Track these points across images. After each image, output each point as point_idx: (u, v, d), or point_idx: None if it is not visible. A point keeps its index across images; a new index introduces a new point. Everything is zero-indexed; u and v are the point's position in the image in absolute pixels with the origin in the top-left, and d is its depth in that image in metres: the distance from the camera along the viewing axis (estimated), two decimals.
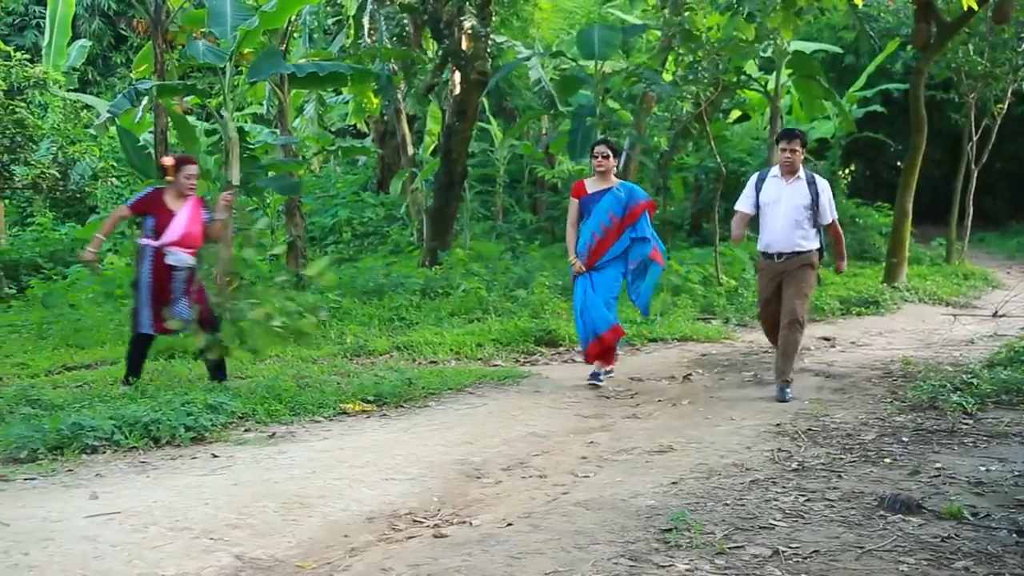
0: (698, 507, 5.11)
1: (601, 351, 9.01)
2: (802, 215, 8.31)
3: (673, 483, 5.66)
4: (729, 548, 4.42)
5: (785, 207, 8.34)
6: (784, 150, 8.39)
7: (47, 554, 4.45)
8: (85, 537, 4.68)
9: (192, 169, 8.46)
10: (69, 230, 20.76)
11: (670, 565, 4.23)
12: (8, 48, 17.28)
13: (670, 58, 17.87)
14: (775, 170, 8.54)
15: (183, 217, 8.33)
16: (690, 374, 9.60)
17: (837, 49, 24.12)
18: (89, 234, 18.50)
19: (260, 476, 5.90)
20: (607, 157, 9.00)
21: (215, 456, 6.41)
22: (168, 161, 8.55)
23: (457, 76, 17.18)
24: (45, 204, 20.12)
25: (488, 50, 16.49)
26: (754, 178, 8.73)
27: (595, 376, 9.06)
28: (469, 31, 16.10)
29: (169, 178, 8.43)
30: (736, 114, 23.50)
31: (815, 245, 8.39)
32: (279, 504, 5.31)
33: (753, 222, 8.80)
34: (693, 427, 7.28)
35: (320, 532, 4.94)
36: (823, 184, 8.44)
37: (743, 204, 8.66)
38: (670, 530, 4.65)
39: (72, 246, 19.43)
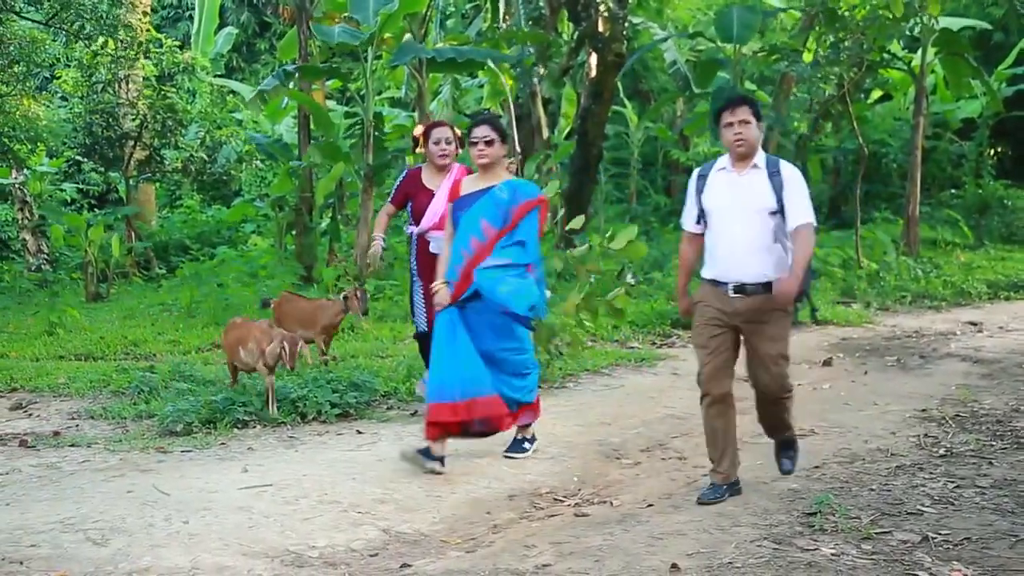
0: (842, 492, 5.04)
1: (457, 424, 5.71)
2: (769, 223, 5.09)
3: (816, 467, 5.60)
4: (876, 533, 4.35)
5: (743, 212, 5.12)
6: (729, 124, 5.14)
7: (205, 523, 4.65)
8: (240, 508, 4.88)
9: (442, 132, 7.05)
10: (215, 212, 21.45)
11: (815, 549, 4.19)
12: (160, 36, 17.88)
13: (811, 38, 17.53)
14: (723, 160, 5.31)
15: (443, 195, 6.58)
16: (831, 358, 9.42)
17: (986, 25, 23.24)
18: (236, 217, 19.11)
19: None
20: (490, 143, 5.84)
21: (360, 433, 6.59)
22: (418, 131, 7.27)
23: (593, 58, 17.14)
24: (193, 187, 20.83)
25: (625, 32, 16.43)
26: (694, 176, 5.41)
27: (517, 446, 6.08)
28: (606, 13, 16.06)
29: (421, 150, 7.22)
30: (877, 94, 22.90)
31: None
32: (423, 480, 5.44)
33: None
34: (835, 412, 7.17)
35: (463, 508, 5.05)
36: (790, 171, 5.15)
37: (686, 220, 5.42)
38: (814, 514, 4.61)
39: (218, 228, 20.08)
